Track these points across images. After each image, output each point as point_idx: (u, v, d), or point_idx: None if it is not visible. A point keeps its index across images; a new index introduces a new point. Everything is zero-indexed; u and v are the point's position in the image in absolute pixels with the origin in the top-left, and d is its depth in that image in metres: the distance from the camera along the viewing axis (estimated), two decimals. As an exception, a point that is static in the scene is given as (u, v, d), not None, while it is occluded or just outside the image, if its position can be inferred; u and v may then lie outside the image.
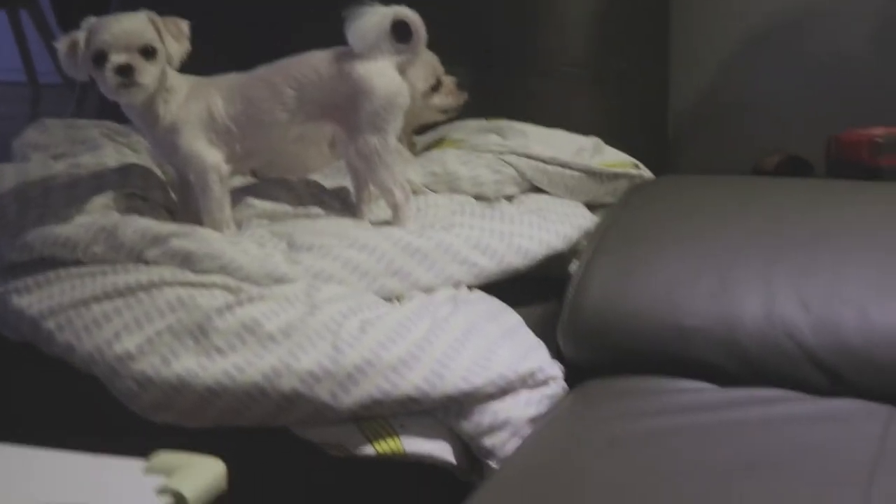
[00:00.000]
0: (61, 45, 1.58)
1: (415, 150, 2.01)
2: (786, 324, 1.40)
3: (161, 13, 1.61)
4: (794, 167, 2.22)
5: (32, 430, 1.33)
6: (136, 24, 1.57)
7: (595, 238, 1.65)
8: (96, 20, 1.58)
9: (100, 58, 1.56)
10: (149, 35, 1.57)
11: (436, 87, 1.95)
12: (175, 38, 1.60)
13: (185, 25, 1.62)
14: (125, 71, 1.56)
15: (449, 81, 1.96)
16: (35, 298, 1.53)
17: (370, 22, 1.59)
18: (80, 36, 1.57)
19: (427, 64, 1.90)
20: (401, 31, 1.65)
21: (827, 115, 2.26)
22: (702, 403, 1.36)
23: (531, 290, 1.71)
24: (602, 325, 1.51)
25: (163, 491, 0.99)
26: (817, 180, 2.11)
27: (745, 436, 1.28)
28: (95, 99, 2.33)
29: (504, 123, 1.99)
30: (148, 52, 1.57)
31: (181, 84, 1.64)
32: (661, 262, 1.54)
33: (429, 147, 2.01)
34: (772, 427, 1.29)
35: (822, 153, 2.12)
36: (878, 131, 2.03)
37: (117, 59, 1.56)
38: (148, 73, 1.57)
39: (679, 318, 1.46)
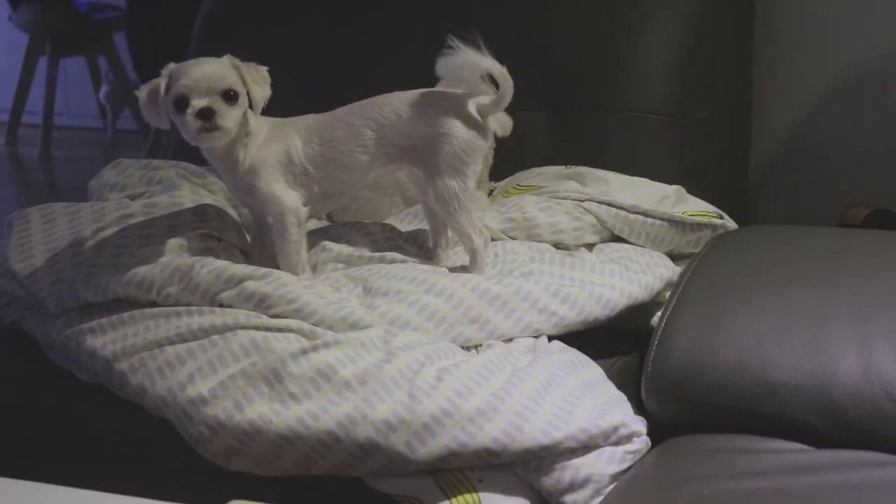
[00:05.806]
0: (141, 92, 1.56)
1: (490, 197, 1.98)
2: (884, 382, 1.33)
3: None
4: (883, 220, 2.15)
5: (103, 473, 1.31)
6: (218, 69, 1.55)
7: (678, 289, 1.59)
8: (177, 66, 1.56)
9: (181, 102, 1.54)
10: (231, 79, 1.55)
11: None
12: (257, 83, 1.58)
13: (265, 71, 1.59)
14: (206, 115, 1.54)
15: None
16: (109, 339, 1.52)
17: (463, 60, 1.56)
18: (161, 82, 1.55)
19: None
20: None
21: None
22: (796, 465, 1.30)
23: (611, 341, 1.66)
24: (687, 380, 1.45)
25: (236, 542, 0.96)
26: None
27: (844, 502, 1.21)
28: (171, 143, 2.33)
29: (584, 170, 1.95)
30: (230, 96, 1.55)
31: (261, 126, 1.62)
32: (748, 314, 1.48)
33: (501, 192, 1.97)
34: (873, 493, 1.22)
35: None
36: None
37: (199, 103, 1.53)
38: (229, 117, 1.55)
39: (769, 373, 1.39)
